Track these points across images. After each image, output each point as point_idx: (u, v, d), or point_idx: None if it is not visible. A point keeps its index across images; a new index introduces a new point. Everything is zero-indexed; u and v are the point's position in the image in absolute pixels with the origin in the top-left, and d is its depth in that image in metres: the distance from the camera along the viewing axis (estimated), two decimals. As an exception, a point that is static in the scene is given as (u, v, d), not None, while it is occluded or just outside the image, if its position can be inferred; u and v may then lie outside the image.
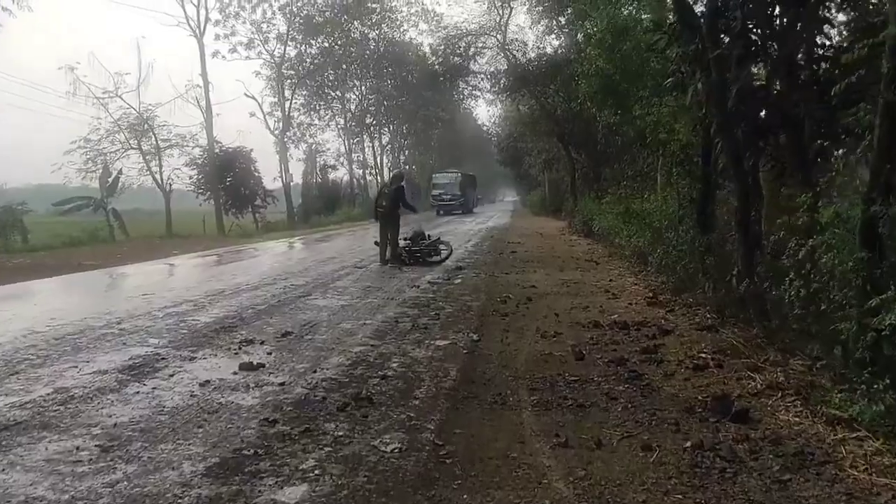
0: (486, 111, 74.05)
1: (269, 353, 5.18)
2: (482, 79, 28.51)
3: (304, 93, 36.89)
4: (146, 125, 27.46)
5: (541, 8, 22.96)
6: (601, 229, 14.89)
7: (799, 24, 5.77)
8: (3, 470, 2.97)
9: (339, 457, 3.15)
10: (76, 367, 4.75)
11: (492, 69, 27.40)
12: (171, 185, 28.60)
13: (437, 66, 28.53)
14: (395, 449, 3.23)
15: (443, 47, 27.74)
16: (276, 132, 33.71)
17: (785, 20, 5.95)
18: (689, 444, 3.23)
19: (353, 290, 8.60)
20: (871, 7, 5.54)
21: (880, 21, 4.36)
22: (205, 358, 5.06)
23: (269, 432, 3.45)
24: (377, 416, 3.71)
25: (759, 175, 6.50)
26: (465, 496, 2.76)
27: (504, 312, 7.01)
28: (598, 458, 3.13)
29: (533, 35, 26.12)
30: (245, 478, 2.90)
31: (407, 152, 52.43)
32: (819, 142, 5.90)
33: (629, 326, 6.07)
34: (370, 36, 38.06)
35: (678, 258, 7.78)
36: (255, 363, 4.79)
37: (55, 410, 3.79)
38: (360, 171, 43.80)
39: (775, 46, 6.00)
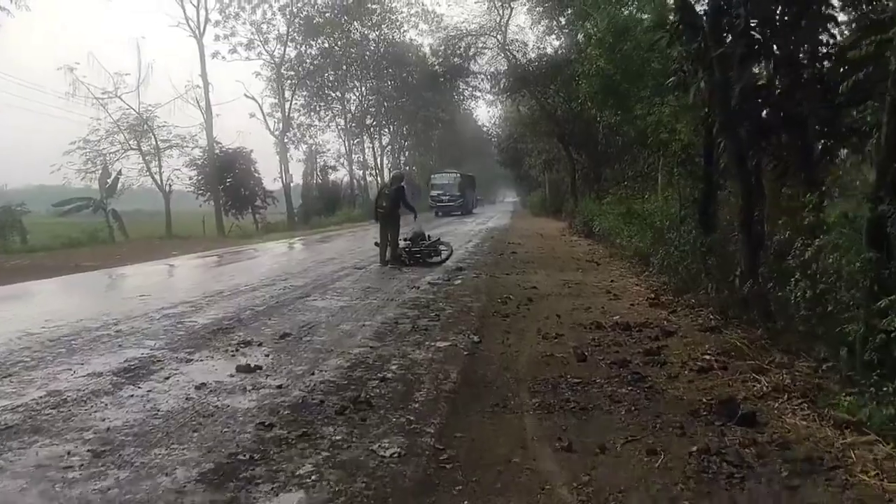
0: (486, 112, 73.84)
1: (267, 355, 5.11)
2: (482, 79, 28.52)
3: (304, 93, 36.85)
4: (146, 126, 27.39)
5: (541, 8, 22.95)
6: (602, 230, 14.84)
7: (803, 22, 5.71)
8: (-7, 476, 2.90)
9: (337, 462, 3.08)
10: (70, 369, 4.68)
11: (492, 70, 27.41)
12: (170, 185, 28.60)
13: (437, 67, 28.54)
14: (394, 454, 3.16)
15: (443, 48, 27.74)
16: (276, 133, 33.68)
17: (787, 18, 5.90)
18: (694, 448, 3.16)
19: (352, 291, 8.53)
20: (875, 4, 5.48)
21: (888, 17, 4.30)
22: (201, 360, 4.98)
23: (266, 436, 3.38)
24: (376, 420, 3.64)
25: (762, 175, 6.44)
26: (465, 503, 2.69)
27: (505, 313, 6.94)
28: (602, 464, 3.06)
29: (533, 35, 26.14)
30: (240, 484, 2.82)
31: (407, 153, 52.41)
32: (823, 141, 5.85)
33: (631, 328, 6.01)
34: (370, 37, 37.97)
35: (680, 259, 7.73)
36: (252, 365, 4.72)
37: (47, 414, 3.72)
38: (361, 172, 43.80)
39: (778, 45, 5.95)
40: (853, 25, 5.79)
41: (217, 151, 28.18)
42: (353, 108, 40.58)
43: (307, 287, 8.87)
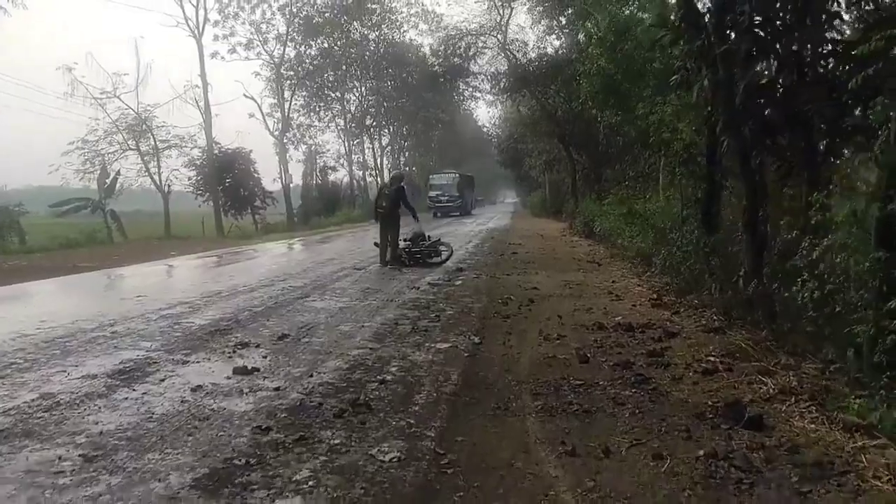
0: (486, 112, 73.96)
1: (265, 357, 5.03)
2: (482, 79, 28.41)
3: (303, 94, 36.79)
4: (144, 126, 27.33)
5: (541, 7, 22.87)
6: (602, 230, 14.77)
7: (808, 20, 5.64)
8: (-19, 481, 2.82)
9: (335, 467, 3.00)
10: (64, 371, 4.60)
11: (492, 70, 27.32)
12: (169, 186, 28.53)
13: (437, 67, 28.44)
14: (393, 458, 3.08)
15: (443, 48, 27.65)
16: (276, 133, 33.62)
17: (791, 16, 5.82)
18: (701, 452, 3.08)
19: (351, 292, 8.46)
20: (881, 0, 5.41)
21: (896, 13, 4.23)
22: (198, 362, 4.90)
23: (262, 440, 3.30)
24: (375, 423, 3.56)
25: (765, 174, 6.37)
26: (467, 509, 2.62)
27: (506, 314, 6.87)
28: (606, 468, 2.98)
29: (533, 35, 26.06)
30: (235, 490, 2.75)
31: (407, 153, 52.33)
32: (828, 139, 5.77)
33: (634, 328, 5.93)
34: (370, 37, 37.93)
35: (683, 259, 7.66)
36: (249, 367, 4.64)
37: (39, 417, 3.64)
38: (360, 173, 43.74)
39: (782, 42, 5.87)
40: (856, 26, 5.73)
41: (216, 152, 28.12)
42: (352, 108, 40.55)
43: (306, 288, 8.80)
